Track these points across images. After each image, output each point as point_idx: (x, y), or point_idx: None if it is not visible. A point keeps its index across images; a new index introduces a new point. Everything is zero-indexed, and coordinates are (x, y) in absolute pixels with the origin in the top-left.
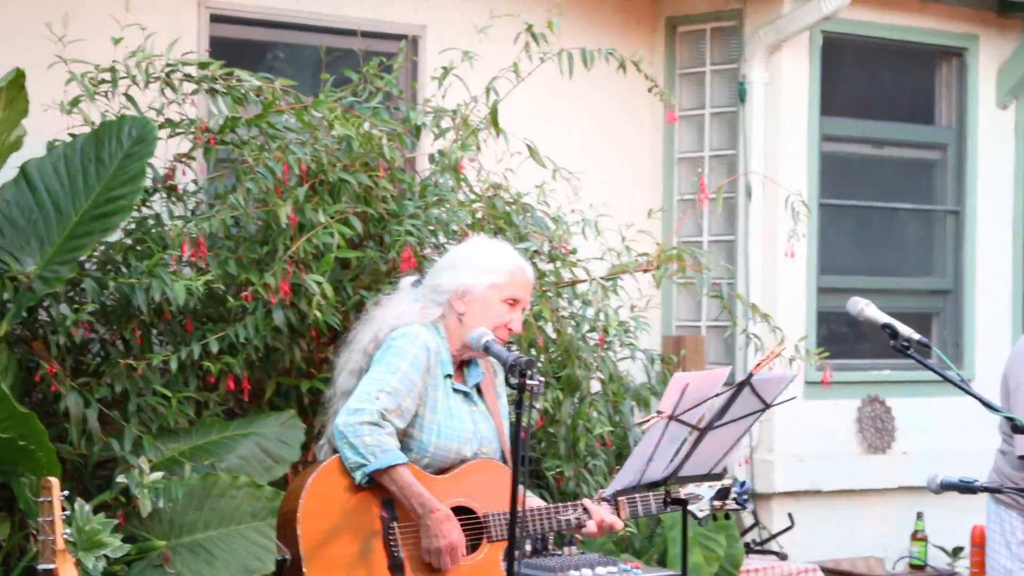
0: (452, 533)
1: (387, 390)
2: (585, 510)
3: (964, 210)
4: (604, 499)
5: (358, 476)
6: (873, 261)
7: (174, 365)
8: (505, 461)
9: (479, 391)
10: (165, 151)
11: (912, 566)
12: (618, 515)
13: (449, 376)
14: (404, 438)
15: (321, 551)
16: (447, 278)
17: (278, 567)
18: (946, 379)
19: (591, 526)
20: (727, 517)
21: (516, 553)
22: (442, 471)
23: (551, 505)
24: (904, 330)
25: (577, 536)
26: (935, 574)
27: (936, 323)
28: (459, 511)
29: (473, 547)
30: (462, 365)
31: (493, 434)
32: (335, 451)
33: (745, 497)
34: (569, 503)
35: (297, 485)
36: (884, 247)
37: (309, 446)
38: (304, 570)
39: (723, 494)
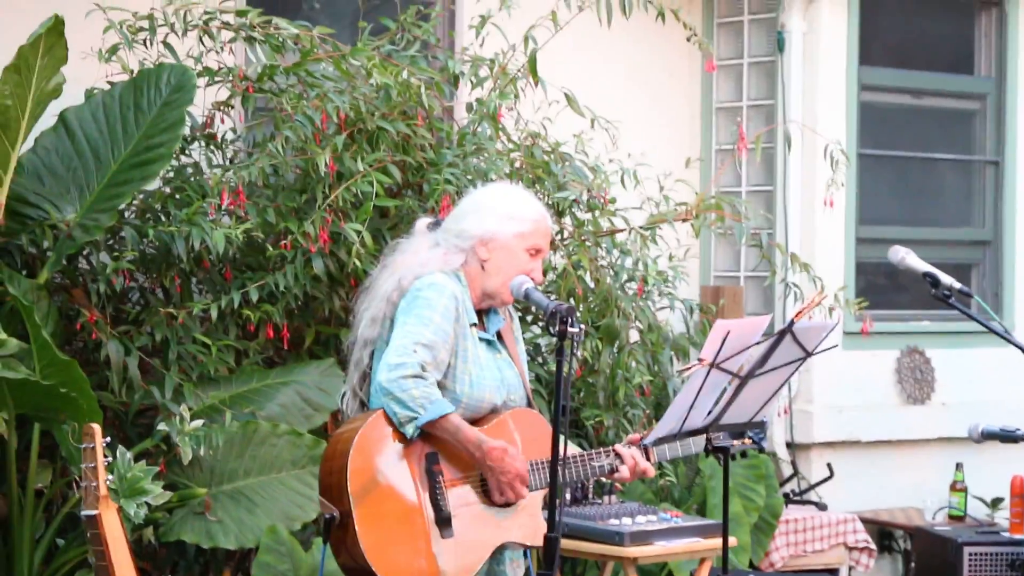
0: (516, 463)
1: (423, 343)
2: (617, 455)
3: (1004, 160)
4: (635, 443)
5: (409, 430)
6: (912, 211)
7: (214, 313)
8: (530, 407)
9: (500, 338)
10: (203, 100)
11: (951, 516)
12: (649, 459)
13: (474, 324)
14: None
15: (370, 507)
16: (472, 223)
17: (326, 525)
18: (988, 328)
19: (624, 471)
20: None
21: (557, 501)
22: (475, 422)
23: (584, 452)
24: (945, 279)
25: (617, 485)
26: (975, 524)
27: (975, 274)
28: None
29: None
30: (481, 313)
31: (518, 381)
32: (362, 403)
33: (761, 436)
34: (601, 449)
35: (343, 442)
36: (923, 197)
37: None
38: (356, 527)
39: (739, 434)
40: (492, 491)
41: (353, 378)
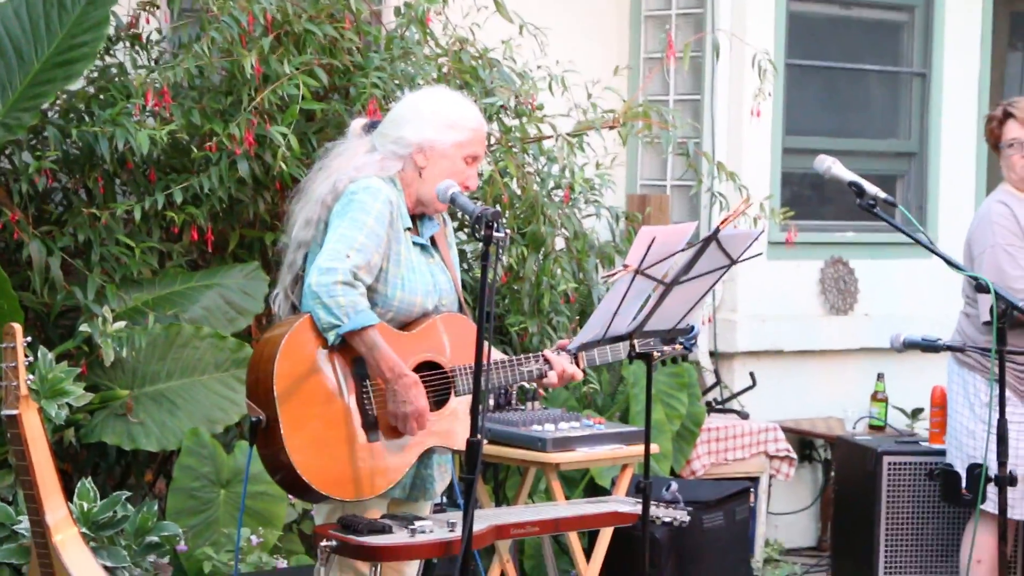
0: (419, 399)
1: (355, 247)
2: (546, 360)
3: (931, 73)
4: (563, 349)
5: (331, 337)
6: (839, 123)
7: (138, 215)
8: (462, 312)
9: (433, 243)
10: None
11: (872, 427)
12: (577, 365)
13: (409, 229)
14: (369, 293)
15: (297, 411)
16: (411, 130)
17: (252, 428)
18: (913, 238)
19: (552, 376)
20: (675, 362)
21: (480, 407)
22: (405, 325)
23: (513, 357)
24: (871, 188)
25: (540, 391)
26: (895, 434)
27: (900, 186)
28: (426, 366)
29: (440, 402)
30: (415, 218)
31: (450, 286)
32: (293, 305)
33: (692, 341)
34: (531, 355)
35: (270, 345)
36: (850, 109)
37: None
38: (281, 431)
39: (670, 340)
40: (389, 416)
41: (286, 280)
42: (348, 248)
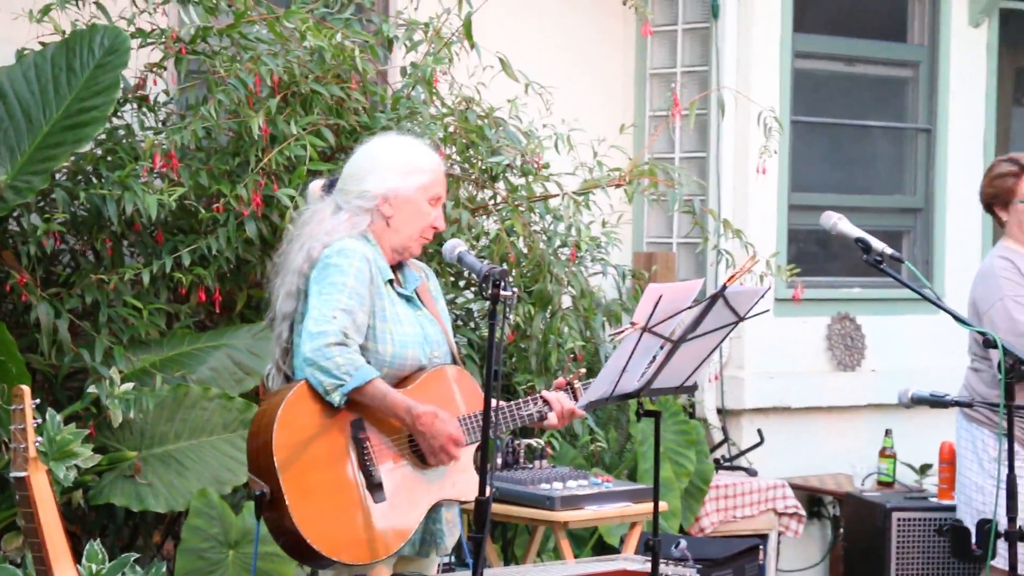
0: (448, 427)
1: (341, 308)
2: (545, 402)
3: (936, 128)
4: (560, 388)
5: (336, 398)
6: (844, 179)
7: (146, 279)
8: (455, 362)
9: (417, 296)
10: (136, 61)
11: (880, 483)
12: (575, 400)
13: (391, 281)
14: (361, 353)
15: (299, 481)
16: (373, 182)
17: (257, 502)
18: (919, 294)
19: (552, 417)
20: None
21: (488, 465)
22: (401, 381)
23: (511, 402)
24: (877, 244)
25: (548, 450)
26: (904, 490)
27: (906, 241)
28: None
29: None
30: (395, 269)
31: (441, 337)
32: (287, 377)
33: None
34: (528, 397)
35: (267, 416)
36: (855, 165)
37: None
38: (287, 502)
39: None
40: (426, 455)
41: (275, 353)
42: (333, 310)
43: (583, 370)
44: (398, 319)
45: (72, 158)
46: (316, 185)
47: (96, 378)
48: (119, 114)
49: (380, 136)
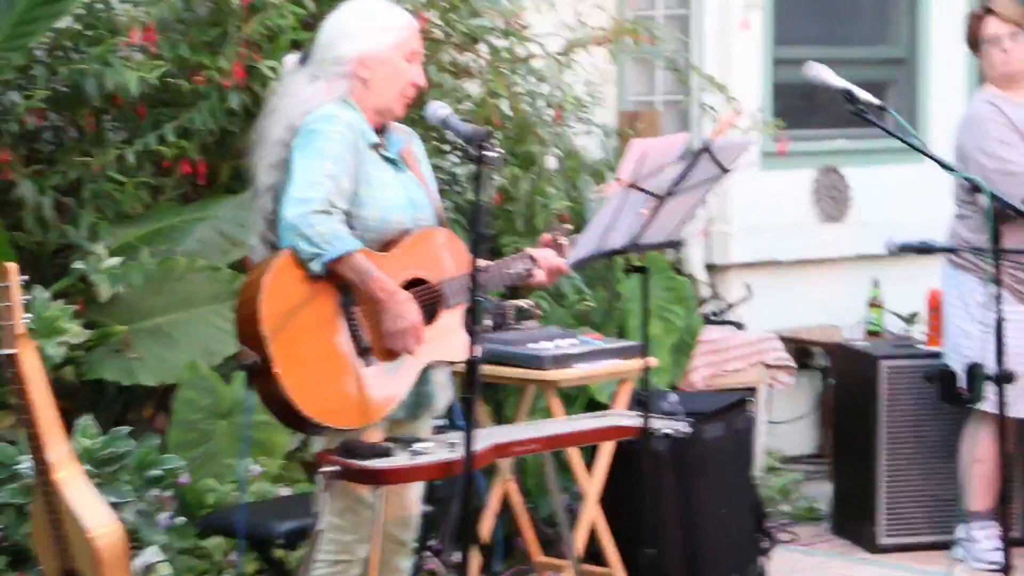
0: (413, 314)
1: (325, 174)
2: (532, 259)
3: None
4: (546, 244)
5: (315, 266)
6: (828, 31)
7: (131, 158)
8: (441, 226)
9: (402, 158)
10: None
11: (869, 333)
12: (562, 256)
13: (376, 145)
14: (346, 218)
15: (289, 348)
16: (346, 47)
17: (248, 372)
18: (904, 142)
19: (539, 274)
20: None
21: (477, 326)
22: (386, 244)
23: (498, 260)
24: (862, 94)
25: (536, 311)
26: (892, 339)
27: (891, 92)
28: (412, 283)
29: (430, 318)
30: (379, 132)
31: (426, 200)
32: (272, 247)
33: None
34: (515, 255)
35: (253, 286)
36: (839, 16)
37: None
38: (275, 370)
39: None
40: (385, 337)
41: (259, 226)
42: (318, 177)
43: (569, 226)
44: (383, 183)
45: (50, 33)
46: (290, 59)
47: (82, 254)
48: None
49: (348, 2)
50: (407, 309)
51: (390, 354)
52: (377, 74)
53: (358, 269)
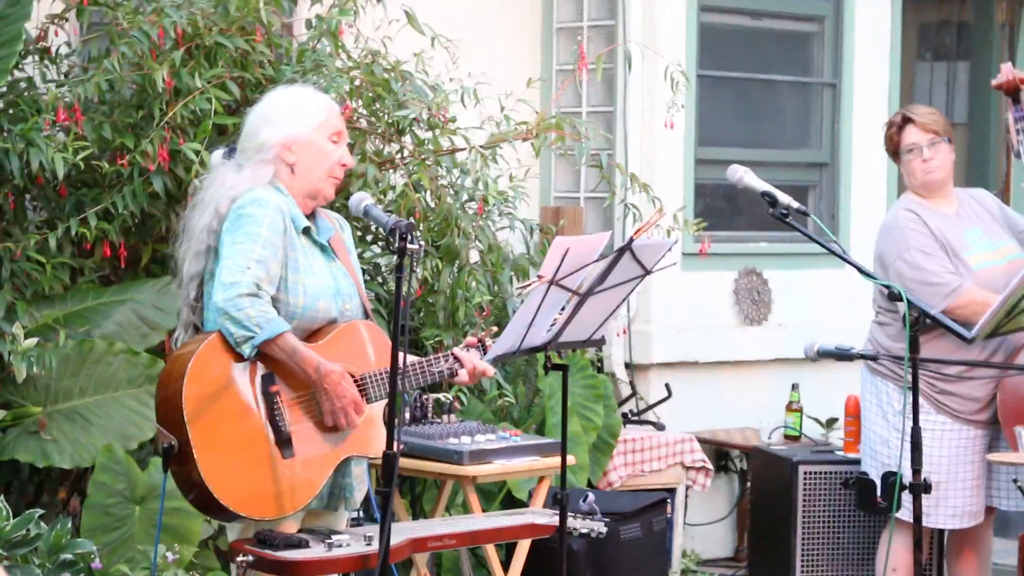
0: (350, 389)
1: (254, 258)
2: (456, 359)
3: (841, 83)
4: (471, 346)
5: (246, 350)
6: (751, 133)
7: (53, 244)
8: (367, 316)
9: (331, 247)
10: (38, 12)
11: (787, 437)
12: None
13: (307, 229)
14: (272, 303)
15: (208, 434)
16: (269, 133)
17: (165, 454)
18: (825, 247)
19: (463, 374)
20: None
21: (396, 420)
22: (311, 335)
23: (422, 359)
24: (783, 198)
25: (456, 404)
26: (810, 444)
27: (812, 196)
28: None
29: None
30: (310, 218)
31: (353, 289)
32: (196, 330)
33: None
34: (440, 354)
35: (177, 367)
36: (762, 119)
37: None
38: (194, 454)
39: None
40: (325, 415)
41: (184, 314)
42: (247, 261)
43: (494, 328)
44: (311, 270)
45: None
46: (217, 154)
47: None
48: (20, 67)
49: (268, 93)
50: (344, 387)
51: (311, 442)
52: (302, 157)
53: (289, 350)
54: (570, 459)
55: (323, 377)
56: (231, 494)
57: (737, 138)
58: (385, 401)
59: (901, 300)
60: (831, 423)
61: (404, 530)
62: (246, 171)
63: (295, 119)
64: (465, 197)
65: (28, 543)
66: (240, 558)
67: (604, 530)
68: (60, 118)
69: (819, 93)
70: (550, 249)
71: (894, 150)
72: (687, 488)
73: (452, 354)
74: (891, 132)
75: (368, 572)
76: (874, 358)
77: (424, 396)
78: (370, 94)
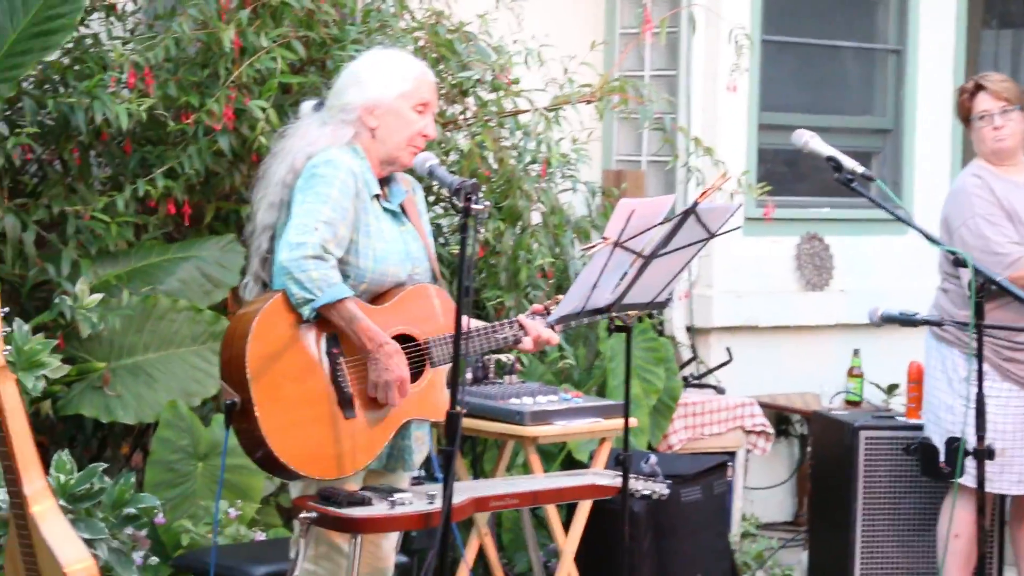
0: (401, 367)
1: (323, 220)
2: (521, 326)
3: (906, 49)
4: (538, 314)
5: (306, 311)
6: (814, 99)
7: (120, 205)
8: (435, 280)
9: (403, 211)
10: None
11: (848, 402)
12: (552, 328)
13: (377, 196)
14: (341, 266)
15: (270, 392)
16: (354, 94)
17: (227, 411)
18: (890, 212)
19: (527, 342)
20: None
21: (459, 379)
22: (378, 296)
23: (488, 325)
24: (848, 163)
25: (518, 365)
26: (871, 409)
27: (876, 162)
28: (400, 339)
29: (416, 374)
30: (383, 183)
31: (423, 253)
32: (264, 286)
33: None
34: (505, 321)
35: (242, 325)
36: (825, 85)
37: None
38: (256, 413)
39: None
40: (369, 386)
41: (254, 265)
42: (315, 222)
43: (559, 297)
44: (381, 234)
45: (39, 67)
46: (307, 104)
47: (62, 291)
48: (86, 23)
49: (365, 52)
50: (395, 363)
51: (373, 404)
52: (384, 123)
53: (348, 317)
54: (632, 421)
55: (378, 347)
56: (292, 452)
57: (800, 103)
58: (449, 365)
59: (966, 266)
60: (892, 389)
61: (466, 489)
62: (328, 128)
63: (382, 84)
64: (528, 159)
65: (92, 497)
66: (304, 515)
67: (666, 492)
68: (132, 82)
69: (883, 59)
70: (615, 211)
71: (965, 116)
72: (747, 452)
73: (517, 321)
74: (963, 98)
75: (430, 531)
76: (939, 324)
77: (486, 357)
78: (434, 55)
